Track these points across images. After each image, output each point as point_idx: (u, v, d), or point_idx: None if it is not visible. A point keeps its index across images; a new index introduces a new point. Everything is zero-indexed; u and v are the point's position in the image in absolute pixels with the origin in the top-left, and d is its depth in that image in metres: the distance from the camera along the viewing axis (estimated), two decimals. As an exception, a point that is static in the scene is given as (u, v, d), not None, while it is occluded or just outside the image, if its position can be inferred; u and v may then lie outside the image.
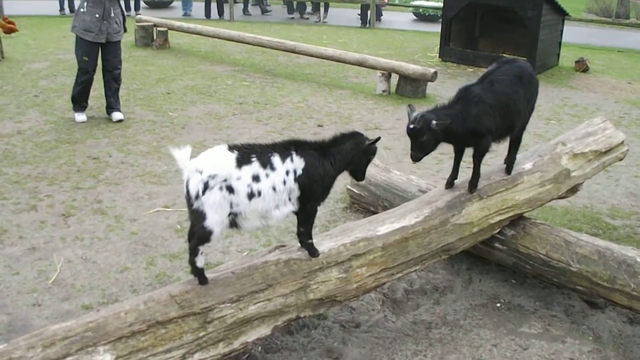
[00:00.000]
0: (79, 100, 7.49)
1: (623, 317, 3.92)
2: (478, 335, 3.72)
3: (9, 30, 13.03)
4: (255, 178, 2.82)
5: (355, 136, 3.17)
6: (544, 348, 3.62)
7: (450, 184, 3.98)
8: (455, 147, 3.84)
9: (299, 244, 3.29)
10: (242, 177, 2.79)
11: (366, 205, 5.16)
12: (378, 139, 3.17)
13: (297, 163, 2.95)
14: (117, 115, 7.57)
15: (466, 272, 4.38)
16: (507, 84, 3.69)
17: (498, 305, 4.04)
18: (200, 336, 2.84)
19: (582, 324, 3.86)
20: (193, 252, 2.87)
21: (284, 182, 2.91)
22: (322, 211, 5.25)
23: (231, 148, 2.85)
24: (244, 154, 2.84)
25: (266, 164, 2.86)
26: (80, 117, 7.50)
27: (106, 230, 4.82)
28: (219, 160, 2.80)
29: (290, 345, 3.52)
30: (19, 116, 7.61)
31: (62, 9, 17.58)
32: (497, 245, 4.17)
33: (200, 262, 2.90)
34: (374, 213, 4.49)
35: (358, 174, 3.25)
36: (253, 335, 3.04)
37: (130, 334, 2.68)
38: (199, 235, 2.81)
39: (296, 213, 3.08)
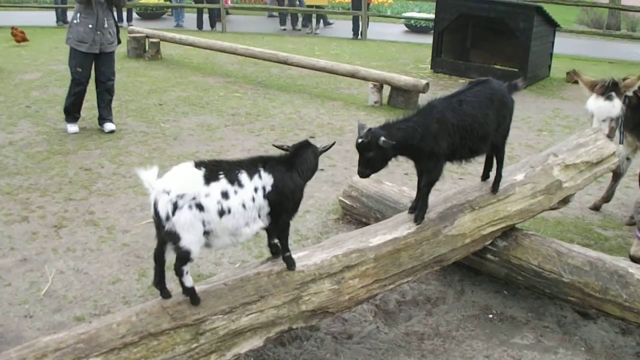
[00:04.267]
0: (72, 111, 7.48)
1: (615, 328, 3.93)
2: (470, 347, 3.72)
3: (21, 40, 13.12)
4: (224, 195, 2.77)
5: (309, 145, 3.19)
6: (536, 359, 3.63)
7: (414, 209, 3.82)
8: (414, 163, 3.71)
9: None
10: (211, 194, 2.74)
11: (358, 217, 5.17)
12: (333, 143, 3.36)
13: (265, 180, 2.92)
14: (109, 127, 7.56)
15: (458, 283, 4.39)
16: (475, 105, 3.58)
17: (490, 316, 4.05)
18: (192, 348, 2.84)
19: (574, 334, 3.87)
20: (178, 273, 2.84)
21: (253, 199, 2.87)
22: (314, 222, 5.26)
23: (198, 165, 2.80)
24: (212, 170, 2.79)
25: (234, 180, 2.82)
26: (73, 128, 7.49)
27: (98, 241, 4.81)
28: (186, 178, 2.74)
29: (282, 357, 3.52)
30: (11, 127, 7.59)
31: (58, 20, 17.55)
32: (489, 256, 4.18)
33: (188, 281, 2.87)
34: (366, 224, 4.49)
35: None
36: (245, 346, 3.03)
37: (122, 345, 2.67)
38: (178, 256, 2.78)
39: (267, 229, 3.07)
